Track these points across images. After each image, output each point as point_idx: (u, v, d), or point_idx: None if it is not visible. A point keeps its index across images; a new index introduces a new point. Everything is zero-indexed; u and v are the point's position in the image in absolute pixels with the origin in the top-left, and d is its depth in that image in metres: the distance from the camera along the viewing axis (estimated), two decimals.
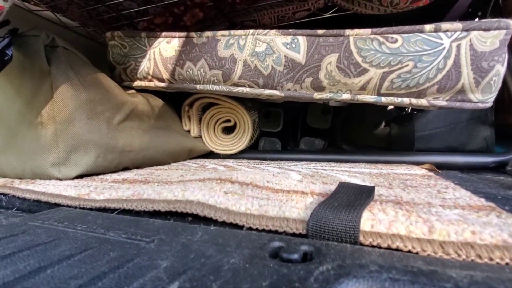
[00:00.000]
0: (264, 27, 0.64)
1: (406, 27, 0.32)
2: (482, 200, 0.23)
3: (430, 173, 0.37)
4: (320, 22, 0.66)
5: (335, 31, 0.35)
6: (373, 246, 0.16)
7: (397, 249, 0.16)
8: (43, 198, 0.28)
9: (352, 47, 0.32)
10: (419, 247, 0.15)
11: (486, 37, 0.31)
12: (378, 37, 0.31)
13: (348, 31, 0.34)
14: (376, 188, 0.26)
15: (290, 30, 0.37)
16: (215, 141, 0.61)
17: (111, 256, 0.14)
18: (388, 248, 0.16)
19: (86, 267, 0.13)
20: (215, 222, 0.21)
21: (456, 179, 0.35)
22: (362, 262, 0.11)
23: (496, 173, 0.45)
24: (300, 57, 0.36)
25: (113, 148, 0.38)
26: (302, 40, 0.36)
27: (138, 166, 0.44)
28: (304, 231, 0.18)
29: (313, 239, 0.17)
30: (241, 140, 0.59)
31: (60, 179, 0.34)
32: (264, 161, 0.56)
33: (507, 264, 0.14)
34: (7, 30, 0.33)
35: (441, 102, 0.32)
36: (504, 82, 0.49)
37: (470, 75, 0.31)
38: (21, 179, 0.35)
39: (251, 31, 0.39)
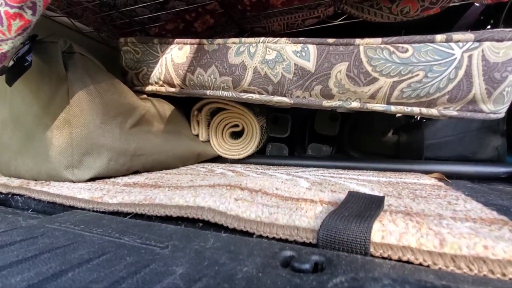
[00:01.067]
0: (273, 33, 0.65)
1: (417, 37, 0.32)
2: (494, 213, 0.23)
3: (440, 183, 0.37)
4: (330, 29, 0.67)
5: (345, 40, 0.35)
6: (383, 258, 0.16)
7: (407, 262, 0.16)
8: (58, 200, 0.28)
9: (362, 56, 0.32)
10: (430, 261, 0.15)
11: (499, 47, 0.31)
12: (388, 46, 0.31)
13: (358, 40, 0.34)
14: (386, 198, 0.26)
15: (301, 39, 0.37)
16: (223, 146, 0.61)
17: (127, 261, 0.15)
18: (399, 260, 0.16)
19: (105, 272, 0.13)
20: (225, 228, 0.21)
21: (466, 190, 0.34)
22: (375, 275, 0.11)
23: (508, 184, 0.45)
24: (310, 65, 0.36)
25: (125, 152, 0.39)
26: (312, 49, 0.36)
27: (148, 170, 0.45)
28: (314, 241, 0.18)
29: (324, 249, 0.17)
30: (248, 145, 0.60)
31: (74, 182, 0.35)
32: (271, 166, 0.56)
33: None
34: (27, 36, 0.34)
35: (452, 112, 0.32)
36: None
37: (482, 86, 0.31)
38: (36, 180, 0.36)
39: (262, 39, 0.40)
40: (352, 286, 0.11)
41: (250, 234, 0.20)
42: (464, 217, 0.21)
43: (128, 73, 0.50)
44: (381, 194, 0.26)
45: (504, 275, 0.14)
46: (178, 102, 0.55)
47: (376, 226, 0.19)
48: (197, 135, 0.60)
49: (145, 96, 0.49)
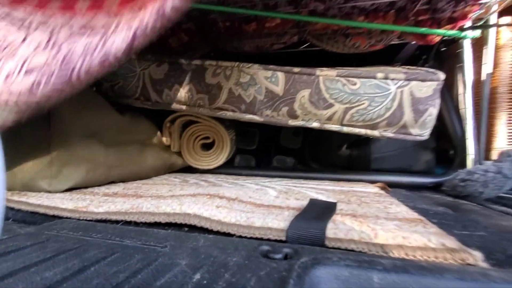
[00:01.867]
0: (244, 54, 0.70)
1: (364, 73, 0.39)
2: (416, 214, 0.30)
3: (381, 191, 0.44)
4: (294, 53, 0.75)
5: (308, 70, 0.41)
6: (335, 248, 0.22)
7: (352, 250, 0.21)
8: (40, 210, 0.29)
9: (322, 86, 0.39)
10: (367, 248, 0.21)
11: (423, 86, 0.40)
12: (342, 79, 0.39)
13: (318, 71, 0.40)
14: (338, 204, 0.32)
15: (271, 66, 0.43)
16: (194, 157, 0.64)
17: (137, 258, 0.18)
18: (346, 249, 0.21)
19: (122, 265, 0.17)
20: (209, 231, 0.25)
21: (401, 197, 0.43)
22: (328, 256, 0.16)
23: (434, 191, 0.55)
24: (278, 89, 0.42)
25: (103, 163, 0.41)
26: (281, 76, 0.42)
27: (123, 180, 0.46)
28: (284, 238, 0.23)
29: (292, 244, 0.22)
30: (219, 157, 0.64)
31: (50, 192, 0.36)
32: (240, 176, 0.61)
33: (425, 260, 0.20)
34: None
35: (389, 134, 0.40)
36: (442, 116, 0.60)
37: (410, 115, 0.39)
38: (10, 190, 0.36)
39: (237, 63, 0.45)
40: (313, 263, 0.15)
41: (231, 235, 0.24)
42: (394, 217, 0.28)
43: (103, 84, 0.51)
44: (335, 201, 0.32)
45: (414, 256, 0.21)
46: (151, 114, 0.57)
47: (330, 225, 0.24)
48: (169, 146, 0.63)
49: (118, 108, 0.50)
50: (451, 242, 0.21)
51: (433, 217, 0.31)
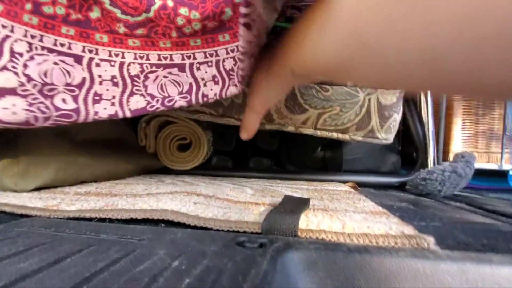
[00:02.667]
0: None
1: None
2: (380, 208, 0.33)
3: (351, 190, 0.47)
4: None
5: None
6: (306, 238, 0.23)
7: (322, 239, 0.23)
8: (7, 209, 0.28)
9: (297, 92, 0.41)
10: (336, 237, 0.23)
11: (388, 94, 0.43)
12: (315, 86, 0.41)
13: None
14: (311, 200, 0.34)
15: None
16: (170, 157, 0.63)
17: (114, 249, 0.18)
18: (316, 238, 0.23)
19: (99, 256, 0.17)
20: (187, 227, 0.26)
21: (369, 194, 0.46)
22: (299, 242, 0.18)
23: (399, 190, 0.59)
24: None
25: (73, 162, 0.39)
26: None
27: (95, 180, 0.45)
28: (259, 230, 0.24)
29: (266, 235, 0.23)
30: (196, 157, 0.64)
31: (16, 191, 0.34)
32: (217, 177, 0.61)
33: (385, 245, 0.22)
34: None
35: (358, 137, 0.43)
36: (406, 121, 0.64)
37: (377, 120, 0.43)
38: None
39: None
40: (285, 247, 0.17)
41: (209, 229, 0.25)
42: (361, 211, 0.30)
43: None
44: (308, 197, 0.34)
45: (377, 243, 0.23)
46: None
47: (303, 218, 0.26)
48: (144, 147, 0.62)
49: None
50: (409, 230, 0.24)
51: (396, 211, 0.34)
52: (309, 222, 0.25)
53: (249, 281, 0.14)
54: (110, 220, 0.27)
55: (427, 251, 0.16)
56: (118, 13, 0.30)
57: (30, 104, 0.28)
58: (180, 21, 0.31)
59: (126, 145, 0.54)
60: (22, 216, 0.28)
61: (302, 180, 0.60)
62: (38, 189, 0.35)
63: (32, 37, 0.29)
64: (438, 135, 0.62)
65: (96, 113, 0.32)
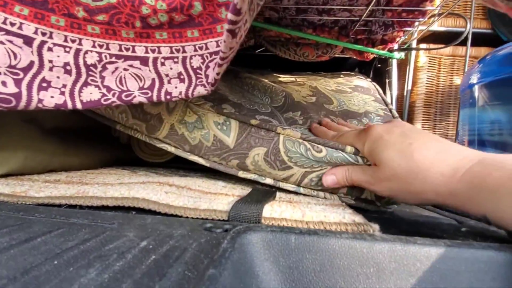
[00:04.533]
0: None
1: (332, 143, 0.34)
2: (340, 202, 0.36)
3: None
4: (250, 56, 0.78)
5: (268, 125, 0.36)
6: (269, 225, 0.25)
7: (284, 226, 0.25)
8: None
9: (281, 146, 0.34)
10: (295, 225, 0.25)
11: None
12: (305, 143, 0.34)
13: (279, 129, 0.35)
14: (278, 193, 0.36)
15: (225, 111, 0.38)
16: (144, 149, 0.63)
17: (84, 232, 0.19)
18: (278, 226, 0.25)
19: (69, 237, 0.18)
20: (157, 214, 0.27)
21: None
22: (258, 226, 0.20)
23: None
24: (229, 141, 0.36)
25: (43, 150, 0.39)
26: (234, 125, 0.36)
27: (65, 169, 0.44)
28: (226, 218, 0.26)
29: (232, 222, 0.25)
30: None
31: None
32: (191, 171, 0.62)
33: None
34: None
35: (351, 201, 0.38)
36: None
37: None
38: None
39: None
40: (245, 230, 0.19)
41: (179, 217, 0.27)
42: (322, 204, 0.33)
43: None
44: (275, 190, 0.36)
45: (331, 230, 0.25)
46: None
47: (267, 207, 0.28)
48: (118, 137, 0.61)
49: None
50: (359, 219, 0.27)
51: (353, 205, 0.37)
52: (273, 211, 0.27)
53: (209, 257, 0.16)
54: (81, 207, 0.28)
55: (366, 234, 0.19)
56: None
57: None
58: (145, 10, 0.30)
59: (99, 136, 0.54)
60: None
61: None
62: (5, 175, 0.35)
63: None
64: None
65: (40, 100, 0.29)
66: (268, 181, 0.37)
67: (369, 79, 0.73)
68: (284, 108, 0.50)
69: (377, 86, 0.68)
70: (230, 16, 0.24)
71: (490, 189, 0.21)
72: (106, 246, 0.17)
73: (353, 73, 0.77)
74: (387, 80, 0.73)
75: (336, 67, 0.91)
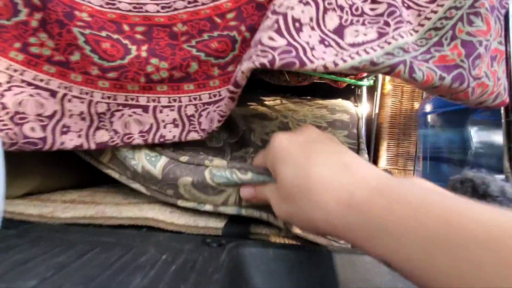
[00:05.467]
0: None
1: (256, 169, 0.32)
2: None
3: None
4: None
5: (197, 160, 0.35)
6: (254, 239, 0.33)
7: (266, 240, 0.33)
8: (8, 215, 0.33)
9: (206, 174, 0.34)
10: (275, 239, 0.33)
11: None
12: (231, 169, 0.33)
13: (207, 162, 0.35)
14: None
15: (158, 147, 0.39)
16: None
17: (118, 249, 0.26)
18: (260, 241, 0.33)
19: (108, 253, 0.24)
20: (165, 231, 0.34)
21: None
22: (248, 242, 0.27)
23: None
24: (156, 172, 0.36)
25: (54, 171, 0.44)
26: (163, 160, 0.36)
27: (70, 187, 0.49)
28: (221, 233, 0.33)
29: (226, 237, 0.32)
30: None
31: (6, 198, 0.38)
32: None
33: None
34: None
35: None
36: None
37: None
38: None
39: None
40: (237, 245, 0.26)
41: (182, 233, 0.33)
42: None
43: None
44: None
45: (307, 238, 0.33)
46: None
47: (253, 224, 0.35)
48: None
49: None
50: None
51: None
52: (258, 228, 0.35)
53: (213, 267, 0.23)
54: (100, 226, 0.34)
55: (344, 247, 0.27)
56: (95, 58, 0.35)
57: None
58: (149, 68, 0.36)
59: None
60: (20, 221, 0.33)
61: None
62: (23, 195, 0.40)
63: (15, 70, 0.33)
64: (370, 154, 0.77)
65: (62, 143, 0.35)
66: (208, 207, 0.35)
67: (356, 105, 0.79)
68: (237, 145, 0.54)
69: (360, 115, 0.75)
70: (231, 88, 0.32)
71: (391, 229, 0.17)
72: (139, 260, 0.23)
73: (343, 100, 0.85)
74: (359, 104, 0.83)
75: (314, 90, 0.99)
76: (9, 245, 0.25)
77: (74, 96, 0.36)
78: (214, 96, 0.41)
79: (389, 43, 0.32)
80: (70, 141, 0.35)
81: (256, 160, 0.32)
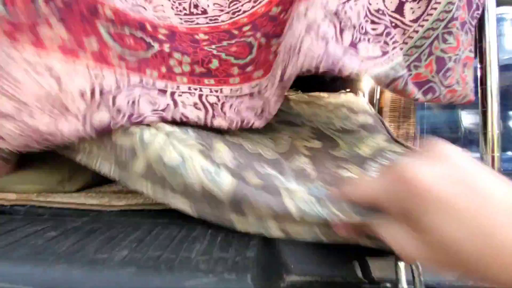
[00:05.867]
0: None
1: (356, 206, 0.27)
2: None
3: None
4: None
5: (271, 189, 0.31)
6: None
7: None
8: (72, 206, 0.41)
9: (288, 204, 0.30)
10: None
11: None
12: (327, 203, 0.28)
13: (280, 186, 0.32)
14: None
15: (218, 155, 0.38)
16: None
17: (173, 227, 0.33)
18: None
19: (169, 230, 0.32)
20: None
21: None
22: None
23: None
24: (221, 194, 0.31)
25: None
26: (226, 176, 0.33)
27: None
28: None
29: None
30: None
31: (64, 193, 0.46)
32: None
33: None
34: None
35: None
36: None
37: None
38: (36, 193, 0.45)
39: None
40: None
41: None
42: None
43: None
44: None
45: None
46: None
47: None
48: None
49: None
50: None
51: None
52: None
53: (250, 236, 0.30)
54: (149, 210, 0.41)
55: None
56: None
57: None
58: (172, 62, 0.39)
59: None
60: (83, 210, 0.41)
61: None
62: (77, 190, 0.48)
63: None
64: None
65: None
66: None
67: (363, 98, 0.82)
68: (290, 156, 0.45)
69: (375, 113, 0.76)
70: (267, 115, 0.37)
71: None
72: (192, 234, 0.31)
73: (350, 94, 0.86)
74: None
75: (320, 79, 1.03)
76: (92, 228, 0.32)
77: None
78: (236, 91, 0.44)
79: (392, 60, 0.37)
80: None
81: (359, 190, 0.25)
